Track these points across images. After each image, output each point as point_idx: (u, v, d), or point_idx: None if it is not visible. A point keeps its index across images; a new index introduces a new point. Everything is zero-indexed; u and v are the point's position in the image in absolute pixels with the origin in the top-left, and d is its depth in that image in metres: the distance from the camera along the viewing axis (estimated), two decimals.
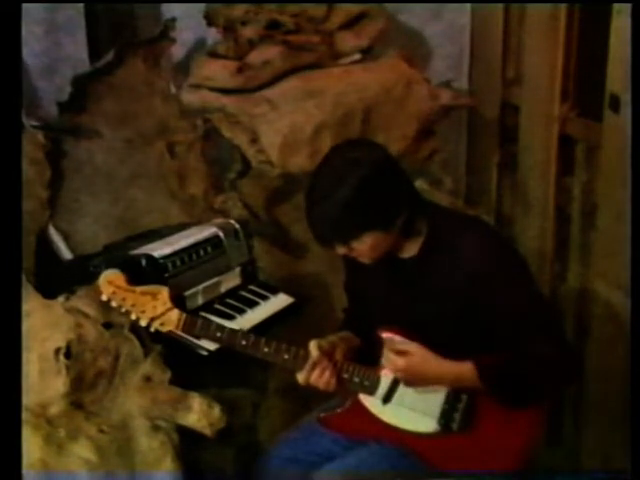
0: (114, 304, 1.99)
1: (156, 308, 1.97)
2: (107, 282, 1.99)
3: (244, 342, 1.96)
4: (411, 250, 1.95)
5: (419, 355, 1.91)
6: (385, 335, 1.96)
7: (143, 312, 1.98)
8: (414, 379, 1.93)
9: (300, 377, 1.95)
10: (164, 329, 1.98)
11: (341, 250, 1.89)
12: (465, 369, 1.89)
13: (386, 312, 2.01)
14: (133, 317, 1.99)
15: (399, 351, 1.92)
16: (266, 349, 1.95)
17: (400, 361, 1.91)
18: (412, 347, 1.91)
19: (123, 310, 1.99)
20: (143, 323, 1.98)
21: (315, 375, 1.93)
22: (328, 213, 1.81)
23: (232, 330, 2.01)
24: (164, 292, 1.98)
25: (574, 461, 2.87)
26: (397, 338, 1.95)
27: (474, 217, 2.13)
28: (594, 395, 2.80)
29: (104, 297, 2.00)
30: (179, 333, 2.02)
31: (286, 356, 1.95)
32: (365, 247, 1.86)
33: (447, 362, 1.91)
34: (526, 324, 1.87)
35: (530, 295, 1.91)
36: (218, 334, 1.97)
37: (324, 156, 1.92)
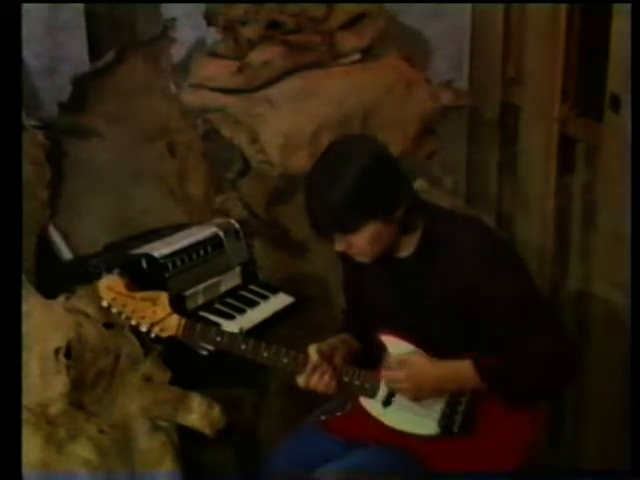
0: (114, 310, 1.99)
1: (156, 314, 1.97)
2: (107, 288, 1.99)
3: (243, 346, 1.95)
4: (407, 249, 1.95)
5: (417, 362, 1.92)
6: (385, 338, 1.96)
7: (143, 318, 1.97)
8: (417, 389, 1.92)
9: (300, 381, 1.94)
10: (164, 334, 1.97)
11: (340, 246, 1.88)
12: (463, 368, 1.90)
13: (384, 313, 2.01)
14: (133, 323, 1.98)
15: (397, 363, 1.92)
16: (265, 353, 1.95)
17: (400, 373, 1.91)
18: (409, 357, 1.92)
19: (123, 316, 1.99)
20: (143, 329, 1.98)
21: (315, 379, 1.92)
22: (329, 201, 1.81)
23: (232, 334, 2.00)
24: (164, 297, 1.98)
25: (574, 461, 2.88)
26: (394, 344, 1.95)
27: (471, 217, 2.12)
28: (594, 395, 2.80)
29: (104, 303, 2.00)
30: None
31: (285, 360, 1.94)
32: (364, 240, 1.85)
33: (445, 363, 1.92)
34: (524, 322, 1.87)
35: (527, 293, 1.90)
36: (218, 339, 1.97)
37: (324, 149, 1.92)
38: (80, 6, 2.96)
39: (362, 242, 1.86)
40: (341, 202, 1.80)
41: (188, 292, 2.35)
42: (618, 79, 2.48)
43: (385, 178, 1.84)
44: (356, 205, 1.81)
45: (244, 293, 2.51)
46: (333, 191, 1.80)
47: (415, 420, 1.96)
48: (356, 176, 1.80)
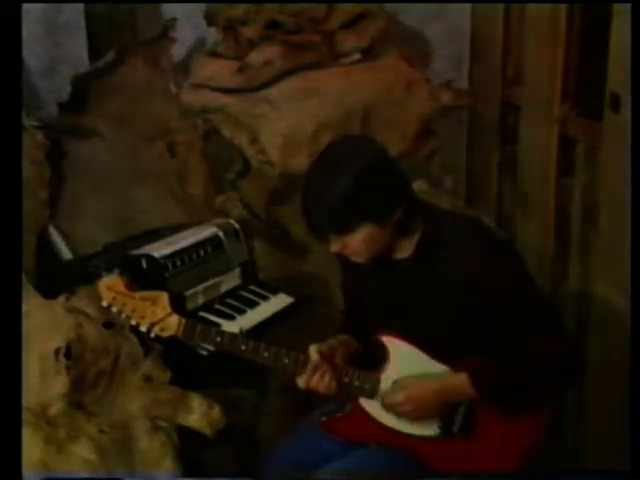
0: (114, 310, 1.98)
1: (156, 313, 1.96)
2: (106, 288, 1.99)
3: (244, 347, 1.95)
4: (406, 251, 1.95)
5: (414, 383, 1.93)
6: (385, 339, 1.96)
7: (143, 317, 1.96)
8: (418, 410, 1.93)
9: (300, 381, 1.94)
10: (164, 334, 1.97)
11: (335, 246, 1.88)
12: (460, 382, 1.90)
13: (384, 314, 2.01)
14: (133, 322, 1.98)
15: (395, 387, 1.93)
16: (266, 354, 1.94)
17: (399, 396, 1.92)
18: (406, 379, 1.94)
19: (123, 316, 1.98)
20: (143, 328, 1.97)
21: (315, 379, 1.92)
22: (326, 201, 1.80)
23: (232, 335, 2.00)
24: (164, 297, 1.97)
25: (575, 461, 2.88)
26: (395, 344, 1.95)
27: (470, 217, 2.12)
28: (594, 395, 2.80)
29: (104, 303, 1.99)
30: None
31: (286, 360, 1.94)
32: (359, 242, 1.85)
33: (441, 379, 1.93)
34: (524, 323, 1.87)
35: (527, 294, 1.90)
36: (218, 339, 1.97)
37: (322, 150, 1.92)
38: (80, 6, 2.96)
39: (357, 243, 1.86)
40: (337, 203, 1.79)
41: (188, 292, 2.35)
42: (618, 79, 2.48)
43: (383, 180, 1.84)
44: (353, 206, 1.80)
45: (244, 293, 2.51)
46: (330, 192, 1.80)
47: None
48: (353, 177, 1.79)
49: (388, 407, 1.95)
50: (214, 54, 2.95)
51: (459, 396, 1.93)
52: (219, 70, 2.89)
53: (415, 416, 1.94)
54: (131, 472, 2.03)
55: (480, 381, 1.88)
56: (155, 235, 2.51)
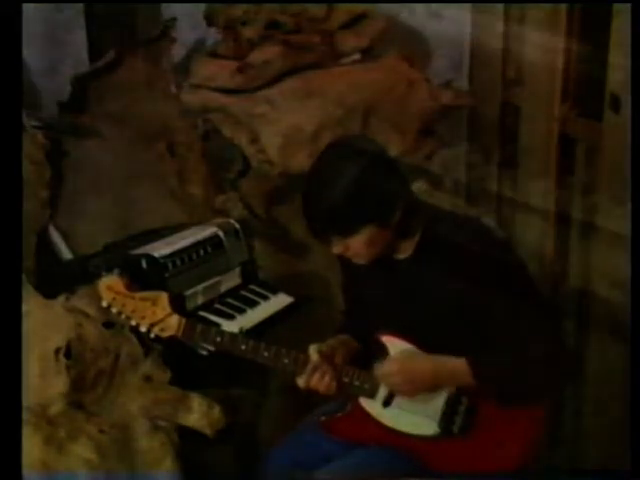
0: (114, 310, 1.98)
1: (156, 314, 1.96)
2: (106, 288, 1.99)
3: (244, 347, 1.95)
4: (406, 251, 1.95)
5: (409, 356, 1.92)
6: (385, 339, 1.96)
7: (143, 318, 1.96)
8: (410, 383, 1.92)
9: (300, 381, 1.94)
10: (164, 335, 1.97)
11: (337, 248, 1.88)
12: (457, 364, 1.89)
13: (383, 314, 2.01)
14: (133, 323, 1.98)
15: (390, 358, 1.93)
16: (266, 354, 1.94)
17: (392, 366, 1.91)
18: (403, 349, 1.93)
19: (123, 316, 1.98)
20: (143, 329, 1.97)
21: (315, 379, 1.92)
22: (327, 203, 1.80)
23: (232, 335, 2.00)
24: (164, 297, 1.97)
25: (574, 461, 2.88)
26: (394, 344, 1.95)
27: (470, 217, 2.13)
28: (594, 395, 2.80)
29: (104, 303, 1.99)
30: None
31: (286, 360, 1.94)
32: (361, 243, 1.85)
33: (438, 357, 1.92)
34: (524, 324, 1.87)
35: (527, 294, 1.90)
36: (218, 339, 1.97)
37: (322, 151, 1.92)
38: (80, 6, 2.97)
39: (359, 245, 1.86)
40: (339, 205, 1.79)
41: (188, 292, 2.35)
42: (618, 79, 2.48)
43: (383, 182, 1.84)
44: (354, 208, 1.80)
45: (244, 293, 2.51)
46: (331, 193, 1.80)
47: (415, 420, 1.96)
48: (355, 180, 1.79)
49: (380, 377, 1.94)
50: (214, 54, 2.96)
51: (454, 381, 1.92)
52: (219, 70, 2.90)
53: (406, 389, 1.92)
54: (131, 472, 2.03)
55: (478, 367, 1.87)
56: (155, 235, 2.50)
